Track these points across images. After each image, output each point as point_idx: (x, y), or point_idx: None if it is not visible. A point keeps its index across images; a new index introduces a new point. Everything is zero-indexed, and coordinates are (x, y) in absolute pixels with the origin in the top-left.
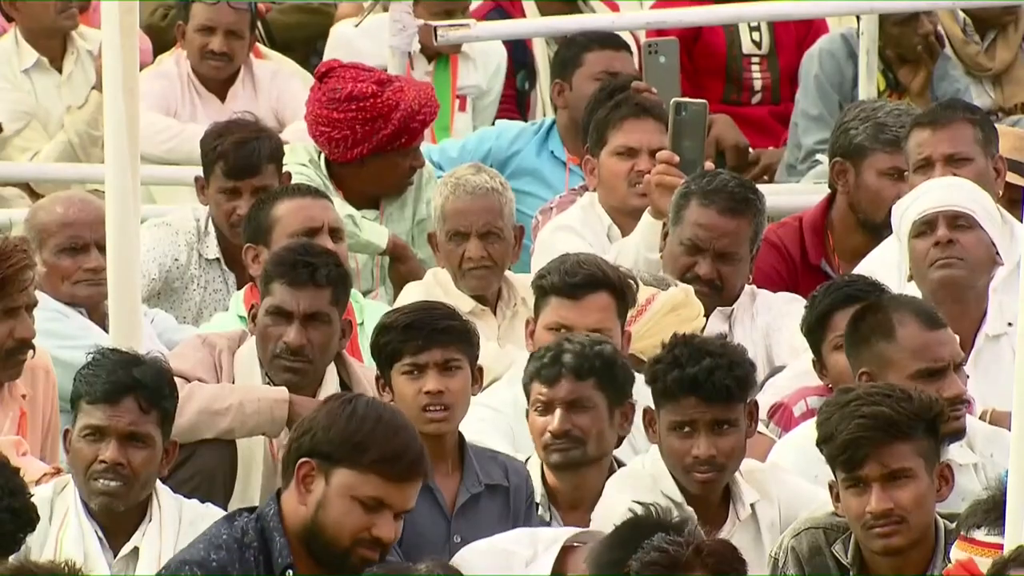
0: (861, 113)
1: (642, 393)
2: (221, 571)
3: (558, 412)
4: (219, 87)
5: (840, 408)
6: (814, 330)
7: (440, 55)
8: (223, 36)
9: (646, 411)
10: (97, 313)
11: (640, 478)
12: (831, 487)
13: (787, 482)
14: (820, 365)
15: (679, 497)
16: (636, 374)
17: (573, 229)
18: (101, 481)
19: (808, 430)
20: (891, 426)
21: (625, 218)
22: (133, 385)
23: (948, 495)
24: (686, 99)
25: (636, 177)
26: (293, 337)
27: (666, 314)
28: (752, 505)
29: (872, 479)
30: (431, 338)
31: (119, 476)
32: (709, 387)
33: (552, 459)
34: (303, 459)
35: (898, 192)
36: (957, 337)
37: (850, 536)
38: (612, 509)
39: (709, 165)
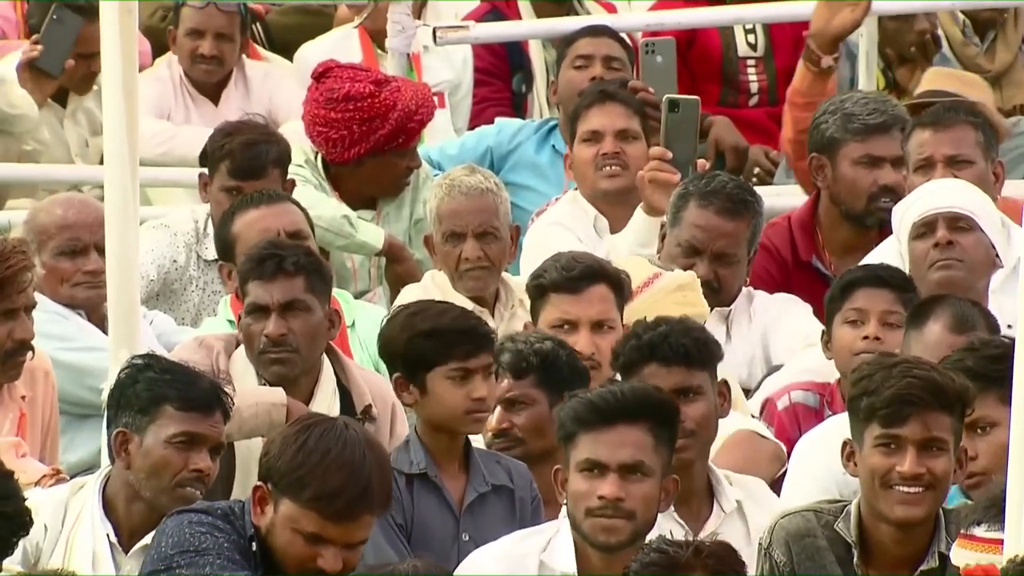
0: (830, 106)
1: None
2: (225, 517)
3: (497, 410)
4: (212, 90)
5: (886, 368)
6: (835, 299)
7: None
8: (212, 39)
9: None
10: (96, 315)
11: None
12: (845, 444)
13: (777, 501)
14: (828, 337)
15: None
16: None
17: (561, 223)
18: (189, 488)
19: (832, 427)
20: (941, 394)
21: (610, 207)
22: (220, 396)
23: (961, 480)
24: (679, 95)
25: (602, 160)
26: (272, 328)
27: (670, 292)
28: (740, 503)
29: (910, 440)
30: (481, 344)
31: (204, 486)
32: (666, 349)
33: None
34: (258, 482)
35: (874, 179)
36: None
37: (849, 515)
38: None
39: (702, 162)
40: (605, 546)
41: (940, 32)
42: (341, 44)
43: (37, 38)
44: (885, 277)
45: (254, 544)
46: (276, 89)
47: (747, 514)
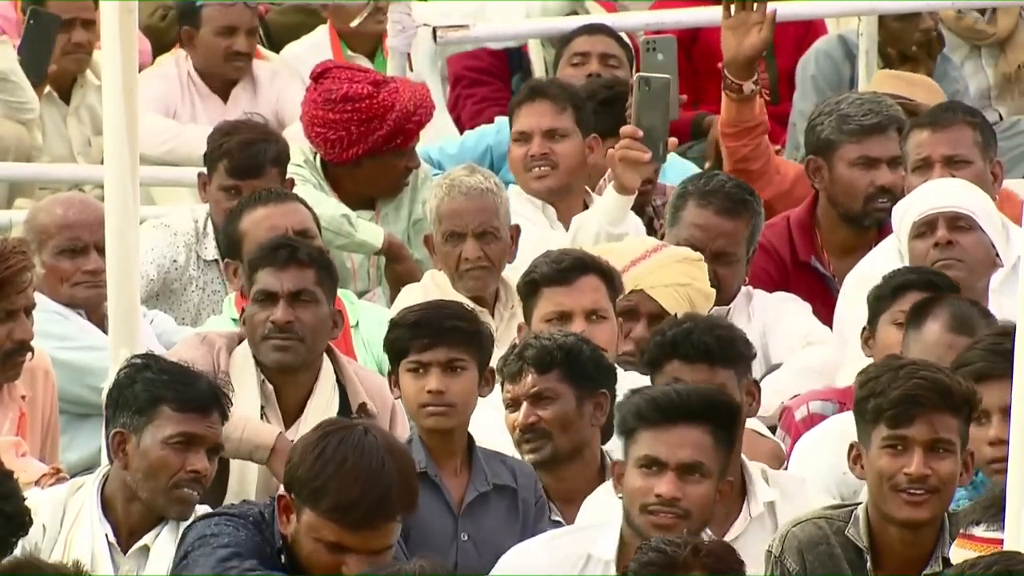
0: (825, 108)
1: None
2: (256, 524)
3: (523, 406)
4: (223, 88)
5: (893, 370)
6: (884, 297)
7: (376, 52)
8: (245, 36)
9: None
10: (96, 315)
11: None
12: (851, 447)
13: (815, 500)
14: (870, 334)
15: None
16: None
17: (514, 211)
18: (186, 489)
19: (832, 427)
20: (948, 395)
21: (547, 202)
22: (219, 396)
23: (967, 483)
24: (650, 74)
25: (531, 162)
26: (280, 314)
27: (677, 261)
28: (772, 504)
29: (917, 442)
30: (437, 337)
31: (202, 486)
32: (687, 346)
33: (525, 456)
34: (281, 492)
35: (871, 180)
36: None
37: (858, 520)
38: (598, 503)
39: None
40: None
41: (942, 29)
42: (315, 46)
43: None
44: (937, 283)
45: (283, 556)
46: (283, 89)
47: (778, 516)
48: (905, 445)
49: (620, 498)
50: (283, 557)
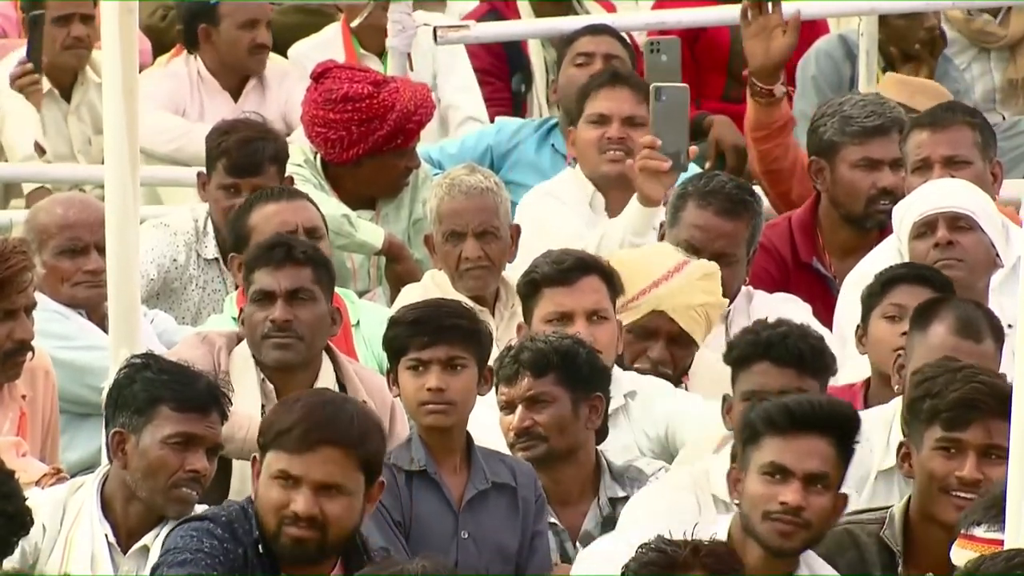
0: (828, 109)
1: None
2: (228, 524)
3: (518, 409)
4: (238, 85)
5: (950, 372)
6: (875, 294)
7: (383, 52)
8: (265, 28)
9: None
10: (97, 315)
11: (687, 475)
12: (900, 446)
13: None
14: (863, 332)
15: (726, 496)
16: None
17: (555, 195)
18: (185, 489)
19: None
20: (1005, 401)
21: (607, 187)
22: (218, 396)
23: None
24: (666, 84)
25: (607, 144)
26: (279, 313)
27: (699, 278)
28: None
29: (972, 445)
30: (437, 335)
31: (201, 487)
32: (781, 349)
33: (517, 456)
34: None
35: (873, 182)
36: (996, 356)
37: (893, 521)
38: (646, 498)
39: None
40: (778, 551)
41: (945, 27)
42: (326, 44)
43: (24, 59)
44: (927, 276)
45: (260, 546)
46: (292, 91)
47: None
48: (959, 448)
49: (737, 504)
50: (261, 547)
